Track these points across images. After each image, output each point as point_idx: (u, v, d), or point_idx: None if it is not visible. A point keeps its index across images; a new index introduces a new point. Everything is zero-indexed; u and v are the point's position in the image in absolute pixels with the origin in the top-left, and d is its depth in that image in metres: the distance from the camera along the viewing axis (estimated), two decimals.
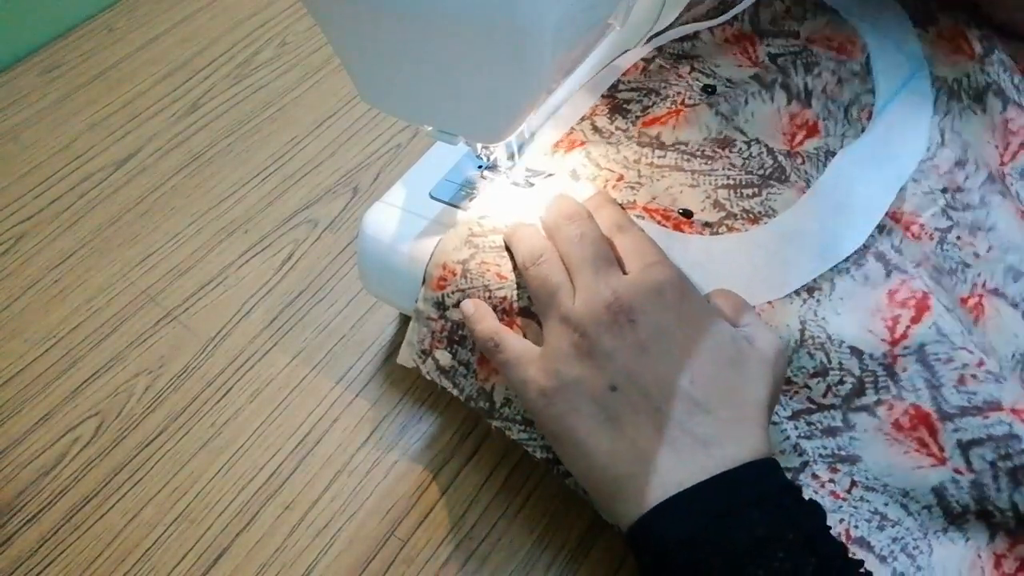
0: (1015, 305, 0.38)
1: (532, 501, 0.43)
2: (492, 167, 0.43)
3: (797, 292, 0.38)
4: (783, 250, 0.39)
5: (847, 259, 0.38)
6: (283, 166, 0.60)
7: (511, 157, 0.43)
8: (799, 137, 0.44)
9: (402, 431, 0.46)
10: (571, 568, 0.40)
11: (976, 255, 0.39)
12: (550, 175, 0.43)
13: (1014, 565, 0.33)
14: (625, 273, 0.35)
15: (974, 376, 0.35)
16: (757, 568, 0.28)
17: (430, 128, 0.37)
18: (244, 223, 0.57)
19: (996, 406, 0.34)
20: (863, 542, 0.34)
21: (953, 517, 0.34)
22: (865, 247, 0.38)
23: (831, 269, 0.38)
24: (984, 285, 0.38)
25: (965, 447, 0.34)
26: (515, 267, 0.38)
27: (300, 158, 0.61)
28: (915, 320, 0.36)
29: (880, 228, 0.39)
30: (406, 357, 0.42)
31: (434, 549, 0.41)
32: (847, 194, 0.40)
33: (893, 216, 0.40)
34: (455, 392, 0.40)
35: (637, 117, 0.46)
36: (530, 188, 0.42)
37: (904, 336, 0.36)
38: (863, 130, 0.44)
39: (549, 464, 0.38)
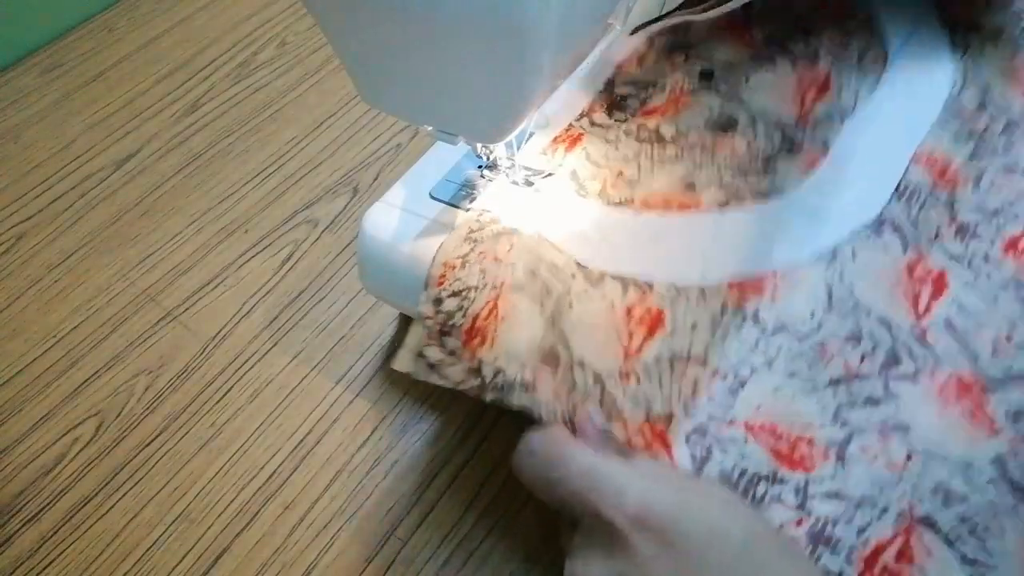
0: None
1: (532, 501, 0.43)
2: (492, 167, 0.43)
3: (821, 257, 0.36)
4: (796, 222, 0.37)
5: (866, 227, 0.37)
6: (283, 166, 0.60)
7: (511, 157, 0.43)
8: (810, 96, 0.42)
9: (402, 431, 0.46)
10: None
11: (1011, 197, 0.37)
12: (550, 175, 0.43)
13: None
14: None
15: (1005, 348, 0.34)
16: None
17: (430, 128, 0.37)
18: (244, 223, 0.57)
19: None
20: (929, 521, 0.32)
21: (1021, 493, 0.32)
22: (882, 217, 0.37)
23: (852, 235, 0.36)
24: None
25: (1015, 417, 0.33)
26: (510, 250, 0.38)
27: (300, 158, 0.61)
28: (935, 296, 0.35)
29: (899, 193, 0.38)
30: (404, 363, 0.40)
31: (434, 549, 0.41)
32: (864, 159, 0.39)
33: (929, 160, 0.38)
34: (442, 383, 0.39)
35: (636, 110, 0.45)
36: (530, 188, 0.42)
37: (928, 310, 0.35)
38: (878, 81, 0.42)
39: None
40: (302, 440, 0.46)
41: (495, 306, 0.38)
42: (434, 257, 0.40)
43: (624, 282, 0.37)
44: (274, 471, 0.45)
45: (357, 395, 0.48)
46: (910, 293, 0.35)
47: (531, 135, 0.45)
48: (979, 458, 0.32)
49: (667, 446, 0.33)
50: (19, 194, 0.59)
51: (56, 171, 0.61)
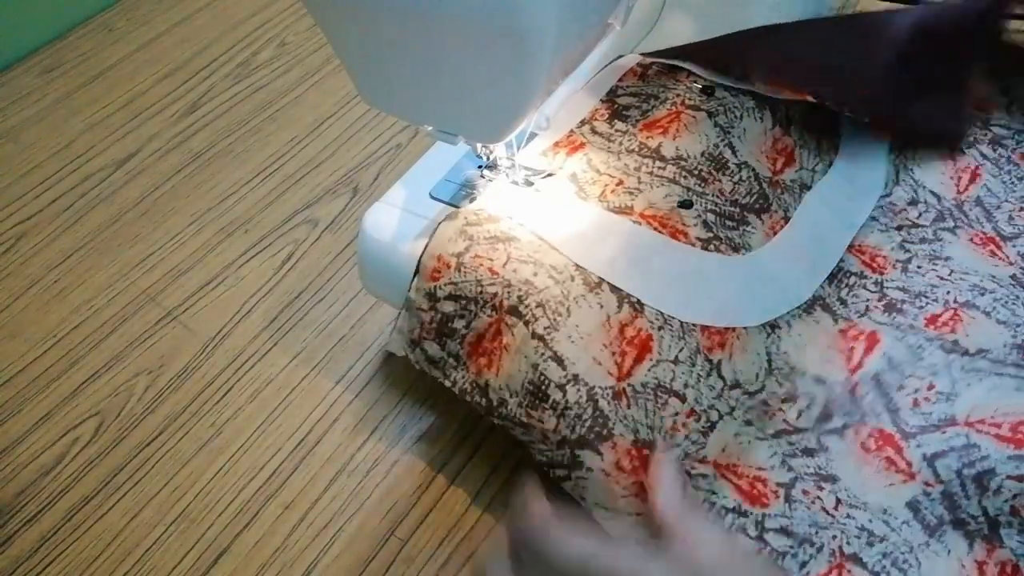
0: (987, 314, 0.40)
1: None
2: (492, 167, 0.43)
3: (763, 325, 0.40)
4: (754, 285, 0.41)
5: (800, 306, 0.41)
6: (283, 166, 0.60)
7: (511, 157, 0.43)
8: (780, 163, 0.46)
9: (402, 431, 0.46)
10: None
11: (940, 277, 0.42)
12: (550, 175, 0.43)
13: (995, 570, 0.34)
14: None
15: (926, 399, 0.37)
16: None
17: (430, 128, 0.37)
18: (244, 223, 0.57)
19: (951, 422, 0.36)
20: (856, 559, 0.35)
21: (931, 530, 0.35)
22: (815, 298, 0.42)
23: (788, 312, 0.41)
24: (955, 300, 0.41)
25: (930, 460, 0.36)
26: (506, 263, 0.38)
27: (300, 158, 0.61)
28: (867, 351, 0.39)
29: (832, 277, 0.43)
30: (396, 346, 0.42)
31: (434, 549, 0.41)
32: (811, 238, 0.43)
33: (860, 249, 0.44)
34: (447, 383, 0.41)
35: (637, 120, 0.46)
36: (530, 188, 0.42)
37: (860, 365, 0.39)
38: (829, 166, 0.47)
39: (546, 468, 0.38)
40: (302, 440, 0.46)
41: (499, 330, 0.38)
42: (427, 245, 0.40)
43: (620, 296, 0.38)
44: (274, 471, 0.45)
45: (357, 395, 0.48)
46: (844, 349, 0.40)
47: (531, 135, 0.45)
48: (895, 503, 0.36)
49: None
50: (19, 194, 0.59)
51: (56, 171, 0.61)
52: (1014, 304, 0.40)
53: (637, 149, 0.44)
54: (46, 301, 0.53)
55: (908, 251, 0.43)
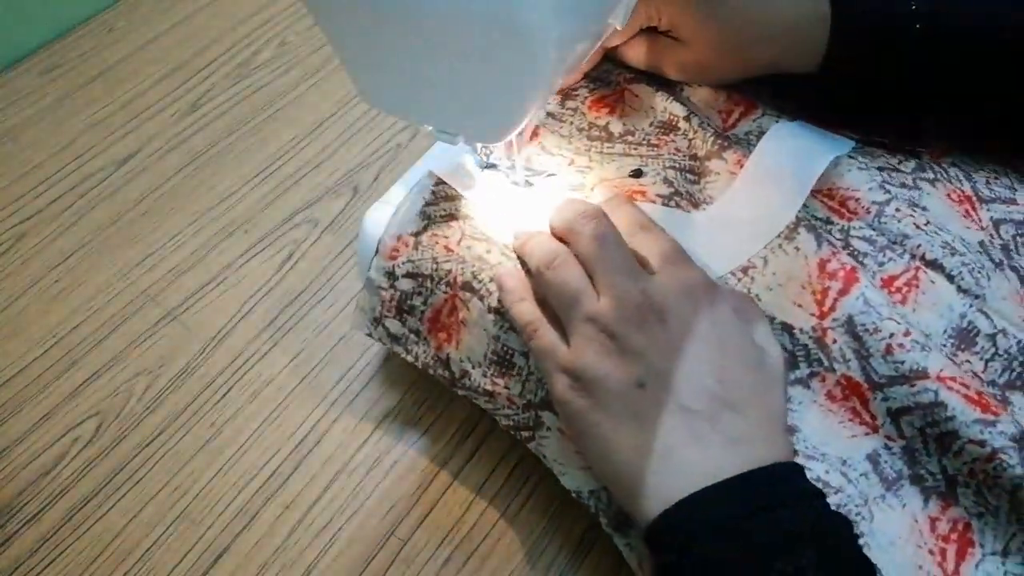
0: (951, 277, 0.38)
1: (532, 501, 0.43)
2: (492, 167, 0.43)
3: (732, 272, 0.39)
4: (718, 236, 0.40)
5: (779, 234, 0.39)
6: (283, 166, 0.60)
7: (511, 157, 0.43)
8: (738, 111, 0.45)
9: (402, 431, 0.46)
10: (571, 568, 0.40)
11: (916, 225, 0.39)
12: (550, 175, 0.43)
13: (947, 527, 0.34)
14: (649, 273, 0.35)
15: (901, 345, 0.35)
16: (786, 564, 0.28)
17: (430, 128, 0.37)
18: (244, 223, 0.57)
19: (922, 374, 0.35)
20: None
21: (888, 483, 0.35)
22: (797, 219, 0.39)
23: (766, 246, 0.39)
24: (924, 256, 0.38)
25: (895, 415, 0.35)
26: (461, 240, 0.39)
27: (300, 158, 0.61)
28: (843, 292, 0.37)
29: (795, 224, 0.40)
30: (359, 323, 0.43)
31: (434, 549, 0.42)
32: (778, 172, 0.41)
33: (828, 193, 0.41)
34: (410, 359, 0.42)
35: (585, 98, 0.47)
36: (529, 188, 0.43)
37: (832, 308, 0.37)
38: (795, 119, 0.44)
39: (511, 431, 0.40)
40: (302, 440, 0.46)
41: (454, 306, 0.40)
42: (387, 226, 0.41)
43: None
44: (274, 471, 0.45)
45: (357, 395, 0.48)
46: (818, 290, 0.37)
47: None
48: (855, 455, 0.36)
49: None
50: (19, 194, 0.59)
51: (56, 171, 0.61)
52: (978, 273, 0.38)
53: (587, 128, 0.45)
54: (46, 301, 0.53)
55: (888, 192, 0.40)
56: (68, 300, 0.53)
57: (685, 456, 0.32)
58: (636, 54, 0.45)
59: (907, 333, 0.35)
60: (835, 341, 0.36)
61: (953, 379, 0.35)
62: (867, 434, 0.36)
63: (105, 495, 0.44)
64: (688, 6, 0.41)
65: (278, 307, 0.52)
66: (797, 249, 0.38)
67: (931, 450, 0.34)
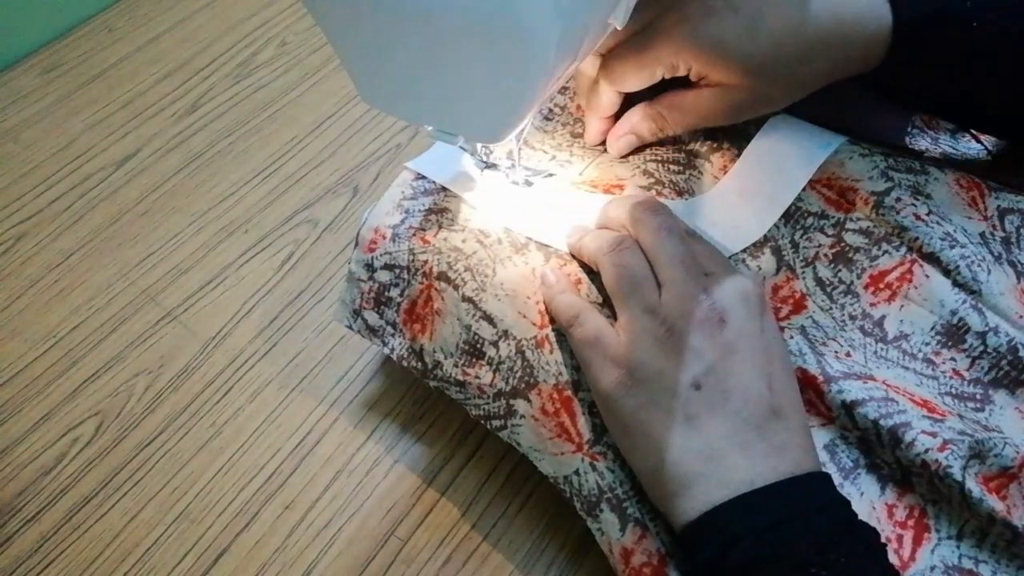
0: (948, 272, 0.37)
1: (532, 501, 0.43)
2: (492, 167, 0.43)
3: None
4: (697, 228, 0.40)
5: (746, 248, 0.39)
6: (283, 166, 0.60)
7: (511, 157, 0.43)
8: None
9: (402, 431, 0.46)
10: (571, 568, 0.40)
11: (916, 216, 0.38)
12: (550, 175, 0.43)
13: (904, 513, 0.35)
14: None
15: (848, 354, 0.37)
16: (820, 569, 0.29)
17: (430, 128, 0.37)
18: (244, 223, 0.57)
19: (870, 378, 0.36)
20: None
21: (846, 472, 0.35)
22: (766, 238, 0.39)
23: (733, 256, 0.39)
24: (920, 249, 0.38)
25: (849, 407, 0.35)
26: (438, 232, 0.39)
27: (300, 158, 0.61)
28: (794, 312, 0.39)
29: (787, 217, 0.40)
30: (340, 315, 0.44)
31: (434, 549, 0.41)
32: (765, 176, 0.40)
33: (827, 183, 0.40)
34: (386, 351, 0.42)
35: (572, 95, 0.47)
36: (529, 188, 0.43)
37: (787, 318, 0.38)
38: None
39: (483, 421, 0.40)
40: (302, 440, 0.46)
41: (429, 296, 0.40)
42: (366, 218, 0.42)
43: (547, 251, 0.39)
44: (274, 471, 0.45)
45: (357, 395, 0.48)
46: (771, 307, 0.39)
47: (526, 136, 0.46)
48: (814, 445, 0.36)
49: (572, 415, 0.37)
50: (19, 194, 0.59)
51: (56, 171, 0.61)
52: (977, 267, 0.37)
53: (572, 124, 0.46)
54: (46, 301, 0.53)
55: (891, 180, 0.39)
56: (68, 300, 0.53)
57: (732, 461, 0.32)
58: (649, 128, 0.42)
59: (848, 355, 0.37)
60: (792, 337, 0.37)
61: (897, 389, 0.36)
62: (823, 424, 0.36)
63: (105, 495, 0.44)
64: (722, 45, 0.37)
65: (278, 307, 0.52)
66: (758, 268, 0.39)
67: (884, 441, 0.35)
